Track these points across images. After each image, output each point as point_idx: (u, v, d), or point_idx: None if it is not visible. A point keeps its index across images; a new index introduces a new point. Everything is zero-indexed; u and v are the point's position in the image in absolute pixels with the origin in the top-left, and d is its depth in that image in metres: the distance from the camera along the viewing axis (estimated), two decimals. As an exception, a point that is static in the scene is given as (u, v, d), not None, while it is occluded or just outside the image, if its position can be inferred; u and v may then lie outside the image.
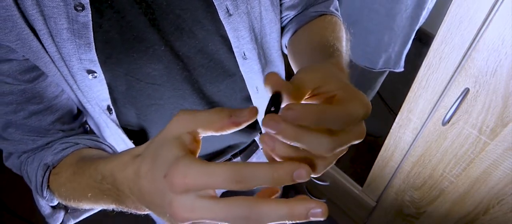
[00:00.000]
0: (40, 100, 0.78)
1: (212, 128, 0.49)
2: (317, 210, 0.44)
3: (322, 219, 0.45)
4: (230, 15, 0.80)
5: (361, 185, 2.00)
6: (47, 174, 0.77)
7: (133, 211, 0.59)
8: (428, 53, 1.20)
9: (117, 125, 0.86)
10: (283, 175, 0.43)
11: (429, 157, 1.48)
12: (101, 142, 0.86)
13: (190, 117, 0.50)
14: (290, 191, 2.63)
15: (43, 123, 0.80)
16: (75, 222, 0.87)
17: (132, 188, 0.52)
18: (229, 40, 0.84)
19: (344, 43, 0.88)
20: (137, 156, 0.53)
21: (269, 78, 0.50)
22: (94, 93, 0.78)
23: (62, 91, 0.82)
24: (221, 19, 0.80)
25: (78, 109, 0.88)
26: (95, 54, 0.72)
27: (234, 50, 0.85)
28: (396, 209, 1.88)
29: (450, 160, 1.40)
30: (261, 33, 0.90)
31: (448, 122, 1.28)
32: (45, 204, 0.81)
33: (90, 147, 0.83)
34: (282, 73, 1.09)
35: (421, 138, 1.44)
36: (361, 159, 2.71)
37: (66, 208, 0.85)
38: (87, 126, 0.93)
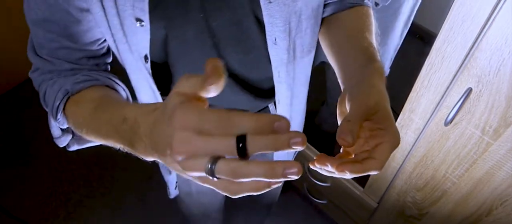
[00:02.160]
0: (76, 39, 0.86)
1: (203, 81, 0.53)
2: (293, 169, 0.48)
3: (295, 176, 0.48)
4: (270, 2, 0.83)
5: (363, 186, 1.99)
6: (65, 99, 0.84)
7: (138, 154, 0.65)
8: (430, 52, 1.20)
9: (149, 73, 0.93)
10: (266, 123, 0.49)
11: (431, 158, 1.47)
12: (118, 84, 0.94)
13: (188, 76, 0.55)
14: (290, 191, 2.62)
15: (71, 57, 0.89)
16: (78, 147, 0.95)
17: (147, 132, 0.59)
18: (264, 24, 0.88)
19: (374, 37, 0.94)
20: (157, 109, 0.60)
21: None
22: (137, 40, 0.84)
23: (98, 40, 0.91)
24: (261, 4, 0.83)
25: (107, 50, 0.97)
26: (147, 4, 0.77)
27: (267, 34, 0.89)
28: (398, 210, 1.87)
29: (452, 160, 1.39)
30: (298, 28, 0.92)
31: (451, 122, 1.27)
32: (56, 125, 0.90)
33: (107, 86, 0.91)
34: (307, 70, 1.12)
35: (423, 138, 1.43)
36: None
37: (73, 133, 0.92)
38: (109, 66, 1.01)
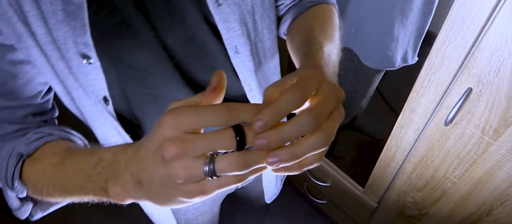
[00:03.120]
0: (15, 96, 0.78)
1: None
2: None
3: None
4: (219, 4, 0.79)
5: (363, 186, 1.99)
6: (19, 163, 0.75)
7: (113, 197, 0.59)
8: (431, 52, 1.20)
9: (113, 117, 0.85)
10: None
11: (431, 158, 1.47)
12: (73, 134, 0.86)
13: (178, 100, 0.54)
14: (290, 191, 2.62)
15: (14, 117, 0.80)
16: (43, 214, 0.86)
17: (129, 164, 0.55)
18: (220, 33, 0.83)
19: (332, 33, 0.88)
20: (139, 142, 0.55)
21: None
22: (90, 81, 0.77)
23: (40, 92, 0.82)
24: (210, 8, 0.79)
25: (52, 104, 0.88)
26: (90, 38, 0.71)
27: (225, 42, 0.84)
28: (398, 211, 1.87)
29: (452, 160, 1.39)
30: (255, 30, 0.89)
31: (451, 122, 1.27)
32: (13, 196, 0.79)
33: (63, 139, 0.82)
34: (276, 77, 1.08)
35: (423, 138, 1.43)
36: (363, 160, 2.70)
37: (33, 201, 0.83)
38: (56, 121, 0.91)
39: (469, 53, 1.10)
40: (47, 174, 0.72)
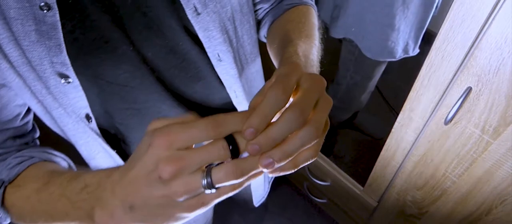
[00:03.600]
0: None
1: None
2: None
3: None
4: (198, 14, 0.77)
5: (363, 185, 1.99)
6: (1, 190, 0.73)
7: None
8: (430, 51, 1.19)
9: (97, 134, 0.83)
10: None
11: (431, 157, 1.47)
12: (56, 155, 0.84)
13: (159, 118, 0.53)
14: (290, 190, 2.62)
15: None
16: None
17: (116, 189, 0.53)
18: (201, 43, 0.81)
19: (309, 32, 0.87)
20: (123, 165, 0.55)
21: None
22: (70, 100, 0.75)
23: (18, 115, 0.80)
24: (189, 17, 0.77)
25: (32, 125, 0.86)
26: (67, 57, 0.69)
27: (207, 51, 0.83)
28: (398, 210, 1.87)
29: (452, 159, 1.39)
30: (236, 36, 0.88)
31: (451, 121, 1.27)
32: None
33: (45, 161, 0.80)
34: (259, 81, 1.10)
35: (423, 137, 1.43)
36: (362, 159, 2.71)
37: None
38: (37, 141, 0.89)
39: (468, 52, 1.10)
40: (31, 200, 0.70)
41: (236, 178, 0.49)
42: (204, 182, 0.49)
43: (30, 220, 0.70)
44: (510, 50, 1.01)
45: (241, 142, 0.50)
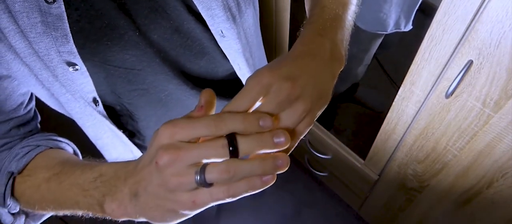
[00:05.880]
0: None
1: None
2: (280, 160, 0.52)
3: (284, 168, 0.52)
4: None
5: (363, 159, 2.00)
6: (10, 182, 0.75)
7: (109, 212, 0.60)
8: (431, 24, 1.18)
9: (104, 116, 0.85)
10: (252, 120, 0.52)
11: (432, 130, 1.46)
12: (61, 141, 0.86)
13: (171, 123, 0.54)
14: (291, 163, 2.63)
15: None
16: None
17: (128, 178, 0.57)
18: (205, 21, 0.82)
19: None
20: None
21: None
22: (78, 86, 0.76)
23: (22, 104, 0.81)
24: None
25: (34, 112, 0.87)
26: (74, 46, 0.70)
27: (210, 28, 0.83)
28: (398, 183, 1.88)
29: (453, 133, 1.39)
30: (240, 12, 0.87)
31: (452, 95, 1.27)
32: (5, 213, 0.78)
33: (51, 148, 0.82)
34: (261, 53, 1.11)
35: (424, 111, 1.43)
36: (363, 132, 2.71)
37: (25, 213, 0.82)
38: (39, 126, 0.90)
39: (470, 25, 1.09)
40: (40, 189, 0.72)
41: (228, 177, 0.50)
42: (197, 177, 0.50)
43: (39, 208, 0.72)
44: (511, 23, 1.00)
45: (242, 143, 0.51)
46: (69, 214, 0.69)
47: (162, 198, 0.52)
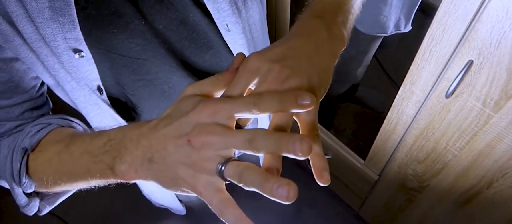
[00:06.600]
0: (11, 94, 0.78)
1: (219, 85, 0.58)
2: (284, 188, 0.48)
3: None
4: None
5: (363, 159, 2.00)
6: (25, 158, 0.74)
7: (119, 175, 0.59)
8: (431, 24, 1.18)
9: (108, 105, 0.85)
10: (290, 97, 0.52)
11: (432, 130, 1.46)
12: (72, 120, 0.86)
13: (198, 84, 0.57)
14: (291, 163, 2.63)
15: (12, 115, 0.80)
16: (50, 208, 0.85)
17: (142, 140, 0.56)
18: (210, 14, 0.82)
19: None
20: (154, 120, 0.57)
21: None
22: (83, 73, 0.77)
23: (34, 86, 0.81)
24: None
25: (46, 97, 0.88)
26: (80, 32, 0.70)
27: (216, 21, 0.84)
28: (399, 183, 1.88)
29: (453, 133, 1.39)
30: (246, 7, 0.88)
31: (452, 95, 1.27)
32: (20, 192, 0.77)
33: (62, 126, 0.82)
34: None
35: (424, 111, 1.43)
36: (363, 132, 2.71)
37: (40, 196, 0.82)
38: (50, 112, 0.91)
39: (470, 25, 1.09)
40: (52, 162, 0.72)
41: (238, 181, 0.50)
42: (219, 167, 0.50)
43: (52, 183, 0.72)
44: (511, 23, 1.00)
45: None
46: (83, 187, 0.70)
47: (179, 173, 0.52)
